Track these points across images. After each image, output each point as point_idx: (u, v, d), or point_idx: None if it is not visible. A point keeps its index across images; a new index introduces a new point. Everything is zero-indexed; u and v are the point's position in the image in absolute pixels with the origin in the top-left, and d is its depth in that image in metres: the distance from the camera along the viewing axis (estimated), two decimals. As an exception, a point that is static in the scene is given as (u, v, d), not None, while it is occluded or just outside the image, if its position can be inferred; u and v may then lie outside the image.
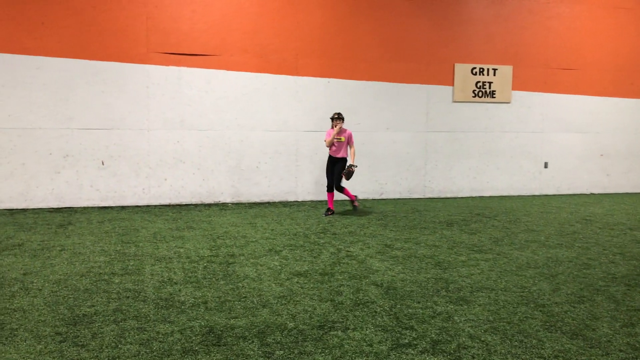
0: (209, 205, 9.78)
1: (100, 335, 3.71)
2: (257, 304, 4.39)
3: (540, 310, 4.32)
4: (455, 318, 4.13)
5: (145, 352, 3.45)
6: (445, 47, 11.01)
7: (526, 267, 5.70)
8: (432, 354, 3.48)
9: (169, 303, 4.38)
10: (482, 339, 3.74)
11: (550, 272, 5.48)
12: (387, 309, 4.31)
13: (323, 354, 3.45)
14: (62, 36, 9.01)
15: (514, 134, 11.65)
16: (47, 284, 4.86)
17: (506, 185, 11.72)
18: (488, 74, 11.30)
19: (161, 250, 6.24)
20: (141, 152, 9.52)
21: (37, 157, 9.05)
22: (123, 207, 9.34)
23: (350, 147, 8.88)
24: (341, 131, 8.74)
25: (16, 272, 5.26)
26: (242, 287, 4.84)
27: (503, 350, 3.55)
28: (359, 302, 4.47)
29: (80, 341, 3.61)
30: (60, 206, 9.21)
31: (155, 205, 9.59)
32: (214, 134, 9.87)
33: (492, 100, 11.41)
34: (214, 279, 5.08)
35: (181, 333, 3.76)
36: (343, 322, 4.01)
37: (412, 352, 3.52)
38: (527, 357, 3.46)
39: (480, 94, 11.31)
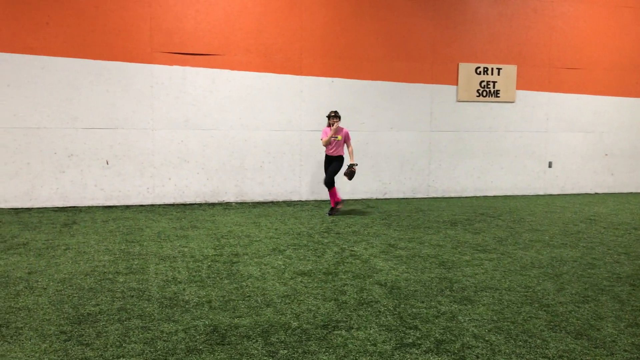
0: (213, 204, 9.79)
1: (104, 334, 3.72)
2: (261, 303, 4.39)
3: (545, 310, 4.31)
4: (460, 318, 4.12)
5: (150, 351, 3.46)
6: (449, 47, 11.00)
7: (530, 266, 5.68)
8: (436, 354, 3.48)
9: (173, 302, 4.38)
10: (486, 338, 3.73)
11: (554, 272, 5.47)
12: (391, 308, 4.31)
13: (327, 354, 3.45)
14: (66, 36, 9.04)
15: (518, 133, 11.63)
16: (51, 283, 4.87)
17: (510, 185, 11.69)
18: (492, 74, 11.28)
19: (165, 249, 6.26)
20: (145, 152, 9.54)
21: (41, 157, 9.08)
22: (127, 207, 9.37)
23: (348, 146, 8.83)
24: (338, 130, 8.69)
25: (21, 271, 5.28)
26: (246, 286, 4.85)
27: (507, 350, 3.54)
28: (362, 301, 4.47)
29: (85, 340, 3.62)
30: (64, 205, 9.24)
31: (160, 205, 9.61)
32: (218, 133, 9.89)
33: (496, 99, 11.38)
34: (218, 278, 5.09)
35: (185, 332, 3.77)
36: (347, 321, 4.01)
37: (416, 351, 3.51)
38: (532, 356, 3.45)
39: (484, 93, 11.29)
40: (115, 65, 9.29)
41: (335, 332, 3.81)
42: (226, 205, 9.67)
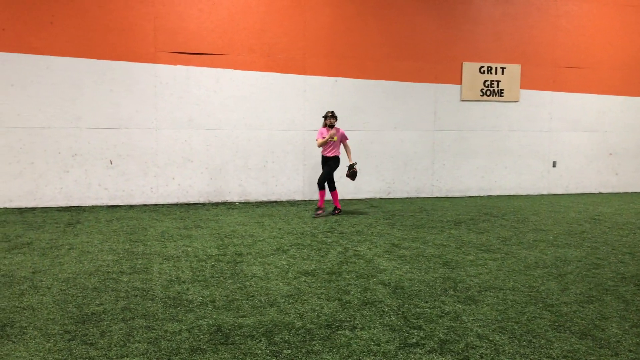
0: (217, 204, 9.80)
1: (108, 333, 3.73)
2: (265, 302, 4.39)
3: (549, 310, 4.30)
4: (463, 318, 4.11)
5: (154, 350, 3.46)
6: (453, 46, 10.98)
7: (534, 266, 5.67)
8: (440, 354, 3.47)
9: (177, 302, 4.39)
10: (490, 338, 3.72)
11: (558, 272, 5.45)
12: (395, 308, 4.30)
13: (331, 353, 3.45)
14: (70, 36, 9.06)
15: (522, 132, 11.60)
16: (55, 283, 4.88)
17: (514, 185, 11.67)
18: (496, 73, 11.25)
19: (169, 249, 6.26)
20: (149, 151, 9.55)
21: (45, 156, 9.10)
22: (131, 206, 9.38)
23: (345, 146, 8.75)
24: (334, 130, 8.58)
25: (25, 270, 5.29)
26: (250, 286, 4.85)
27: (511, 350, 3.53)
28: (366, 301, 4.46)
29: (89, 339, 3.62)
30: (68, 205, 9.26)
31: (163, 204, 9.63)
32: (222, 133, 9.89)
33: (500, 99, 11.36)
34: (221, 277, 5.09)
35: (189, 332, 3.77)
36: (351, 321, 4.01)
37: (420, 351, 3.51)
38: (536, 357, 3.44)
39: (488, 92, 11.26)
40: (119, 65, 9.31)
41: (339, 331, 3.81)
42: (230, 205, 9.67)
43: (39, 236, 6.87)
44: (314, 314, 4.15)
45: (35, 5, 8.88)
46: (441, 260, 5.88)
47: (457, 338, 3.72)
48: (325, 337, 3.70)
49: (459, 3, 10.96)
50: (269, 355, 3.41)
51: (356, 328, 3.87)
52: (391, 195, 10.93)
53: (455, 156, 11.23)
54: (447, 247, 6.51)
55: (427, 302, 4.47)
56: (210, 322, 3.95)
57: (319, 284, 4.92)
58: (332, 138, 8.51)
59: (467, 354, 3.48)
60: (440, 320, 4.05)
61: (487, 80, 11.23)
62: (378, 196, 10.85)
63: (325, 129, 8.61)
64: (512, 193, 11.65)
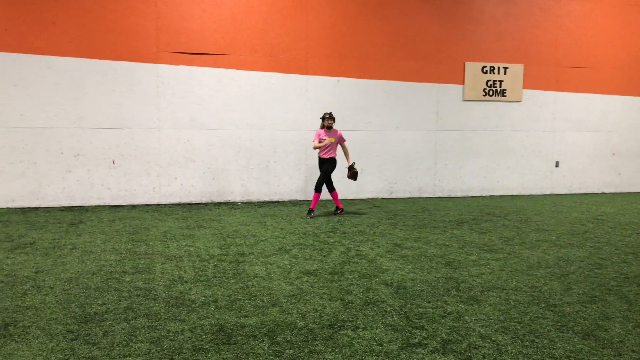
0: (219, 204, 9.81)
1: (111, 333, 3.73)
2: (267, 302, 4.39)
3: (552, 310, 4.29)
4: (466, 318, 4.11)
5: (156, 350, 3.46)
6: (455, 46, 10.97)
7: (537, 266, 5.66)
8: (442, 354, 3.47)
9: (180, 301, 4.39)
10: (493, 338, 3.72)
11: (561, 272, 5.44)
12: (397, 308, 4.30)
13: (333, 353, 3.45)
14: (72, 36, 9.07)
15: (525, 132, 11.58)
16: (58, 282, 4.89)
17: (517, 185, 11.65)
18: (499, 73, 11.24)
19: (171, 248, 6.27)
20: (152, 151, 9.56)
21: (48, 156, 9.12)
22: (134, 206, 9.39)
23: (343, 147, 8.70)
24: (331, 132, 8.54)
25: (28, 270, 5.30)
26: (252, 285, 4.85)
27: (514, 350, 3.53)
28: (369, 301, 4.46)
29: (92, 339, 3.63)
30: (71, 205, 9.28)
31: (166, 204, 9.63)
32: (224, 133, 9.90)
33: (503, 98, 11.34)
34: (224, 277, 5.10)
35: (191, 331, 3.77)
36: (353, 321, 4.01)
37: (423, 351, 3.50)
38: (538, 357, 3.44)
39: (490, 92, 11.25)
40: (122, 65, 9.32)
41: (342, 331, 3.80)
42: (232, 205, 9.68)
43: (41, 236, 6.88)
44: (316, 313, 4.15)
45: (38, 5, 8.89)
46: (444, 260, 5.87)
47: (459, 338, 3.72)
48: (328, 337, 3.70)
49: (461, 3, 10.95)
50: (272, 355, 3.41)
51: (358, 328, 3.87)
52: (393, 195, 10.92)
53: (457, 156, 11.22)
54: (450, 247, 6.50)
55: (429, 302, 4.46)
56: (213, 321, 3.96)
57: (321, 284, 4.92)
58: (330, 140, 8.47)
59: (469, 354, 3.47)
60: (443, 320, 4.04)
61: (490, 80, 11.21)
62: (380, 196, 10.84)
63: (322, 130, 8.56)
64: (514, 193, 11.64)
